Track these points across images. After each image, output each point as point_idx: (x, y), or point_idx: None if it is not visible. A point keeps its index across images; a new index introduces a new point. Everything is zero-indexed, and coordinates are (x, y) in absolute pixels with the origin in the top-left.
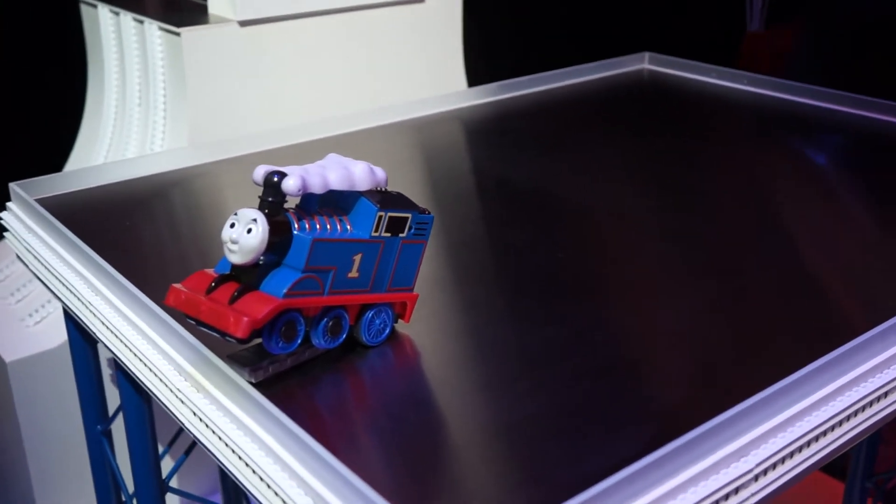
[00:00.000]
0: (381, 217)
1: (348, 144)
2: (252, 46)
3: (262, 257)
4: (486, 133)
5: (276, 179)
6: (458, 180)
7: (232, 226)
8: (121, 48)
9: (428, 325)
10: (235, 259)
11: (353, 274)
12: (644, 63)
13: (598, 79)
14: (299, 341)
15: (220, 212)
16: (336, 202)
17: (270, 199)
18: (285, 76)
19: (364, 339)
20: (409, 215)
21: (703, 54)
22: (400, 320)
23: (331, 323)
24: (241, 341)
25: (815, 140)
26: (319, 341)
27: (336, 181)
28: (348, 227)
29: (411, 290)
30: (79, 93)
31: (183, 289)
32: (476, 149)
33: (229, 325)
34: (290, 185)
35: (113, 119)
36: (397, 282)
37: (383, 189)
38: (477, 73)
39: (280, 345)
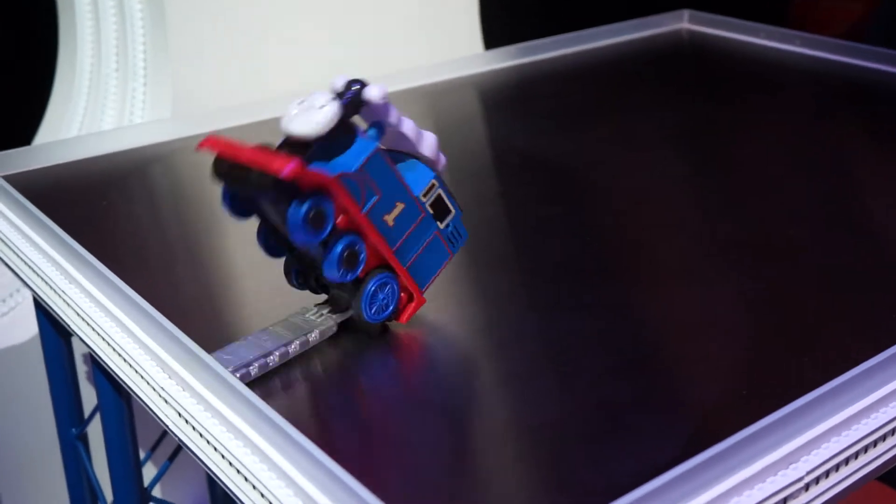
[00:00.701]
0: (433, 186)
1: None
2: (243, 3)
3: (324, 134)
4: (506, 102)
5: (357, 86)
6: (475, 154)
7: (300, 102)
8: (95, 5)
9: (445, 314)
10: (295, 127)
11: (389, 220)
12: (683, 22)
13: (630, 40)
14: (323, 236)
15: (207, 190)
16: (395, 160)
17: (346, 99)
18: (280, 39)
19: (364, 310)
20: (455, 211)
21: (747, 14)
22: (393, 319)
23: (347, 253)
24: (276, 186)
25: (882, 111)
26: (332, 269)
27: (409, 130)
28: (402, 181)
29: (422, 292)
30: (48, 56)
31: (221, 137)
32: (494, 119)
33: (274, 162)
34: (373, 93)
35: (87, 86)
36: (415, 269)
37: (439, 165)
38: (495, 35)
39: (306, 231)
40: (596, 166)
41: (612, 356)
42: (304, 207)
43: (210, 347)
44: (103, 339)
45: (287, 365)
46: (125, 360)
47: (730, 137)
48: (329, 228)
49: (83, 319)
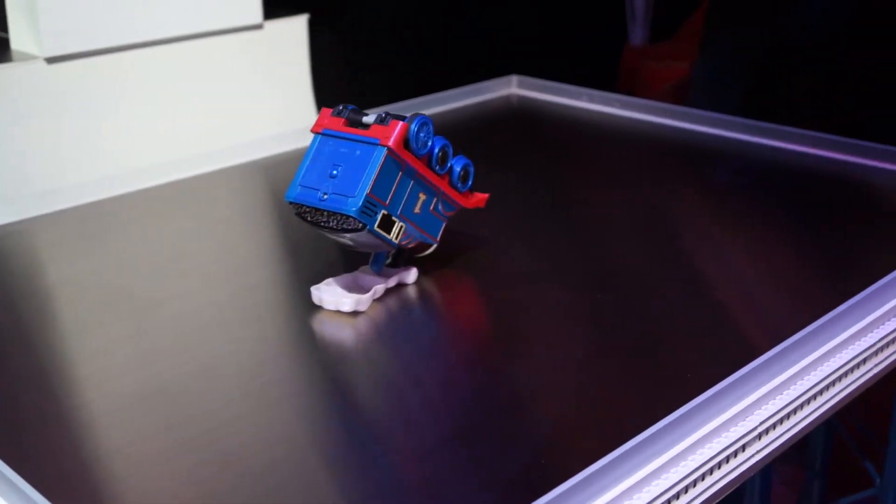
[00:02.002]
0: (445, 153)
1: (181, 192)
2: (64, 86)
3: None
4: None
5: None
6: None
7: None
8: None
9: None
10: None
11: (417, 210)
12: (512, 87)
13: (460, 107)
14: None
15: (40, 277)
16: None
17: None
18: (106, 117)
19: (456, 185)
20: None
21: (582, 71)
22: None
23: (440, 153)
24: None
25: (694, 169)
26: (456, 183)
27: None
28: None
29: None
30: None
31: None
32: None
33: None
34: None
35: None
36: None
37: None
38: (331, 104)
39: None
40: None
41: (438, 428)
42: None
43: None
44: None
45: None
46: None
47: (557, 197)
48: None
49: None
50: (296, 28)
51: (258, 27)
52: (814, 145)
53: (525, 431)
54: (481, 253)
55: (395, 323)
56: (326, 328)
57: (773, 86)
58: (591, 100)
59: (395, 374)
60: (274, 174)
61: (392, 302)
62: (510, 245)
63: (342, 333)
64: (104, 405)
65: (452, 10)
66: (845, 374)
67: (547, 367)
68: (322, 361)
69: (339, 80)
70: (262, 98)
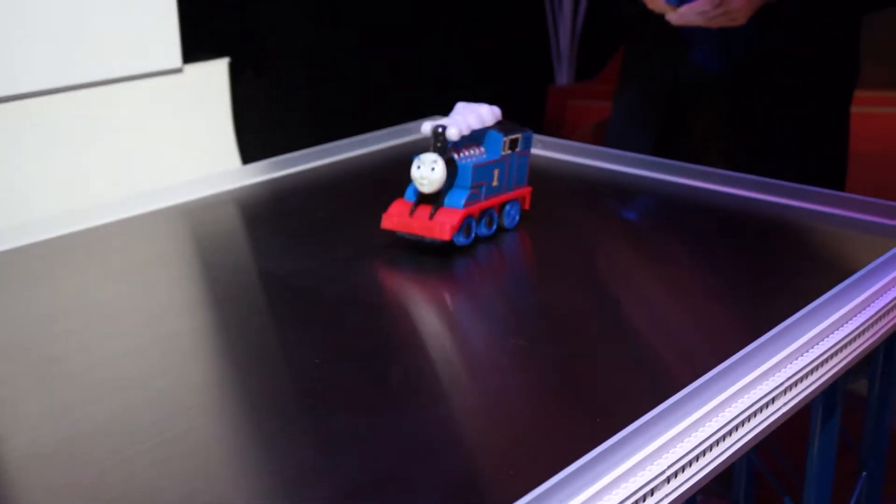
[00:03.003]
0: (505, 141)
1: (104, 236)
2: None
3: (443, 184)
4: (259, 218)
5: (440, 131)
6: (223, 274)
7: (418, 167)
8: None
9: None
10: (427, 189)
11: (495, 183)
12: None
13: (380, 150)
14: (473, 235)
15: None
16: (470, 136)
17: (439, 144)
18: (20, 166)
19: (506, 225)
20: (520, 135)
21: (508, 111)
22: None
23: (487, 219)
24: (444, 242)
25: (606, 208)
26: (483, 232)
27: (474, 123)
28: (484, 151)
29: (526, 185)
30: None
31: (393, 215)
32: (245, 236)
33: (436, 232)
34: (452, 134)
35: None
36: (519, 181)
37: (500, 120)
38: (261, 148)
39: (462, 239)
40: (339, 284)
41: (335, 482)
42: (460, 235)
43: None
44: None
45: None
46: None
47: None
48: (475, 228)
49: None
50: (217, 72)
51: (178, 71)
52: (725, 184)
53: (441, 471)
54: (407, 293)
55: (315, 365)
56: (247, 377)
57: (681, 126)
58: None
59: (314, 419)
60: (195, 218)
61: (316, 340)
62: (423, 288)
63: (261, 382)
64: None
65: (378, 50)
66: (760, 410)
67: (475, 405)
68: (240, 407)
69: (263, 123)
70: (184, 142)
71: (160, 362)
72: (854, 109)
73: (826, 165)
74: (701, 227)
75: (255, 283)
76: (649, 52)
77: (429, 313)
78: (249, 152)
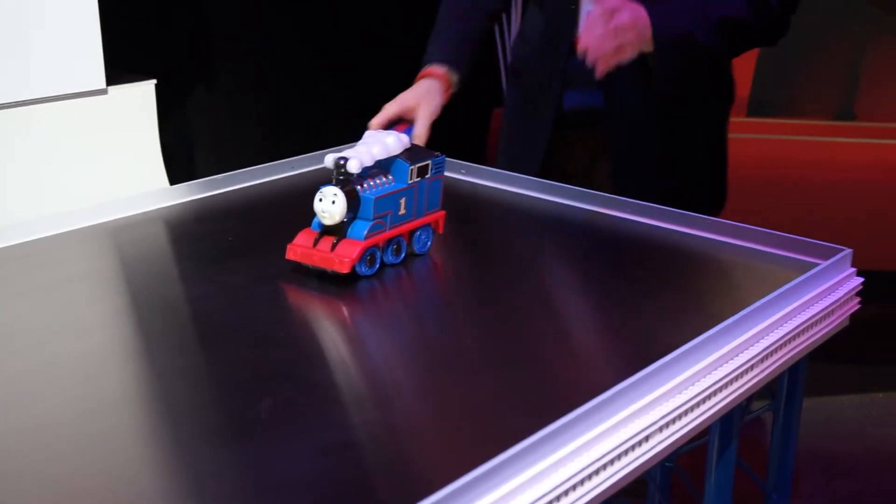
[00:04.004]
0: (412, 170)
1: (30, 254)
2: None
3: (345, 216)
4: (173, 241)
5: (342, 163)
6: (121, 299)
7: (320, 200)
8: None
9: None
10: (328, 222)
11: (402, 211)
12: None
13: (306, 173)
14: (378, 265)
15: None
16: (379, 164)
17: (341, 176)
18: None
19: (416, 250)
20: (429, 162)
21: (453, 136)
22: (436, 231)
23: (394, 246)
24: (345, 274)
25: (521, 228)
26: (390, 259)
27: (378, 153)
28: (392, 180)
29: (439, 209)
30: None
31: (296, 246)
32: (155, 260)
33: (335, 265)
34: (353, 166)
35: None
36: (430, 207)
37: (409, 148)
38: (182, 168)
39: (365, 269)
40: (222, 311)
41: None
42: (362, 265)
43: None
44: None
45: None
46: None
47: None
48: (379, 257)
49: None
50: (143, 93)
51: (102, 92)
52: (638, 213)
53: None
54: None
55: (247, 369)
56: (112, 407)
57: (565, 150)
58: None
59: (178, 450)
60: (120, 237)
61: (190, 369)
62: (315, 317)
63: (129, 410)
64: None
65: (312, 71)
66: (646, 439)
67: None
68: (101, 439)
69: (190, 144)
70: (108, 164)
71: (39, 387)
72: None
73: (705, 192)
74: (617, 256)
75: (151, 308)
76: (533, 82)
77: (314, 343)
78: (178, 174)
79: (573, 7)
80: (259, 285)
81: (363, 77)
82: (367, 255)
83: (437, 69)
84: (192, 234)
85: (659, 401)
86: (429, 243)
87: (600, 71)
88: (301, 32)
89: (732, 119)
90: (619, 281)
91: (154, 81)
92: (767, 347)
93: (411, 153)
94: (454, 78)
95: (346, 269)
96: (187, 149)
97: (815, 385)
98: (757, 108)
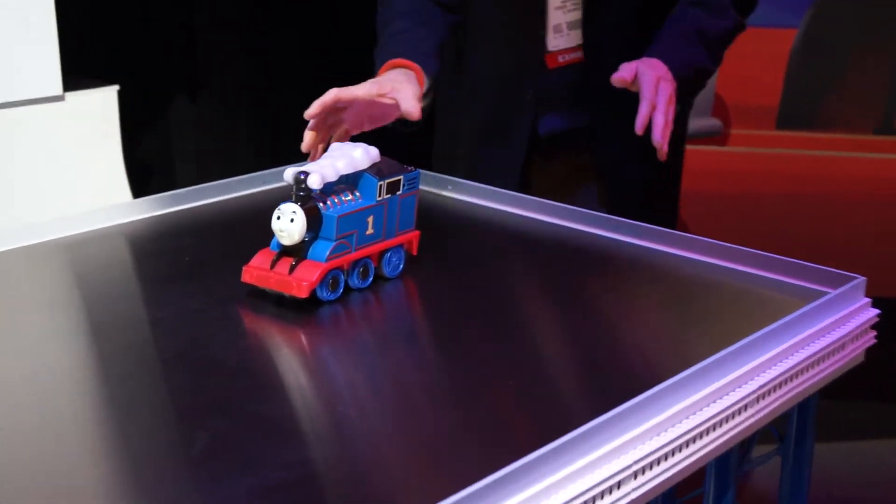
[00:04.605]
0: (381, 185)
1: None
2: None
3: (305, 236)
4: (130, 258)
5: (302, 178)
6: (66, 320)
7: (278, 218)
8: None
9: None
10: (286, 242)
11: (370, 231)
12: None
13: (275, 189)
14: (341, 289)
15: None
16: (346, 179)
17: (301, 192)
18: None
19: (386, 274)
20: (401, 177)
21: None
22: (409, 253)
23: (361, 269)
24: (303, 299)
25: (504, 249)
26: (356, 283)
27: (344, 168)
28: (359, 196)
29: (413, 229)
30: None
31: (252, 268)
32: (109, 278)
33: (293, 289)
34: (314, 181)
35: None
36: (402, 226)
37: (377, 161)
38: (146, 179)
39: (327, 294)
40: (170, 336)
41: None
42: (324, 290)
43: None
44: None
45: None
46: None
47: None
48: (343, 281)
49: None
50: (104, 99)
51: (59, 98)
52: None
53: None
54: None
55: (188, 399)
56: (43, 433)
57: (542, 171)
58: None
59: (164, 457)
60: (78, 253)
61: (125, 401)
62: (266, 345)
63: (56, 440)
64: None
65: (299, 74)
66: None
67: None
68: (27, 469)
69: (154, 153)
70: (66, 175)
71: (30, 397)
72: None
73: (666, 206)
74: (608, 280)
75: (97, 332)
76: (499, 105)
77: (265, 372)
78: (141, 186)
79: (541, 33)
80: (214, 309)
81: (352, 81)
82: (330, 279)
83: (411, 62)
84: (149, 252)
85: (635, 441)
86: (400, 266)
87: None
88: (285, 33)
89: (760, 132)
90: (610, 306)
91: (117, 87)
92: (767, 382)
93: (381, 168)
94: (427, 80)
95: (304, 294)
96: (157, 160)
97: (830, 428)
98: (787, 120)
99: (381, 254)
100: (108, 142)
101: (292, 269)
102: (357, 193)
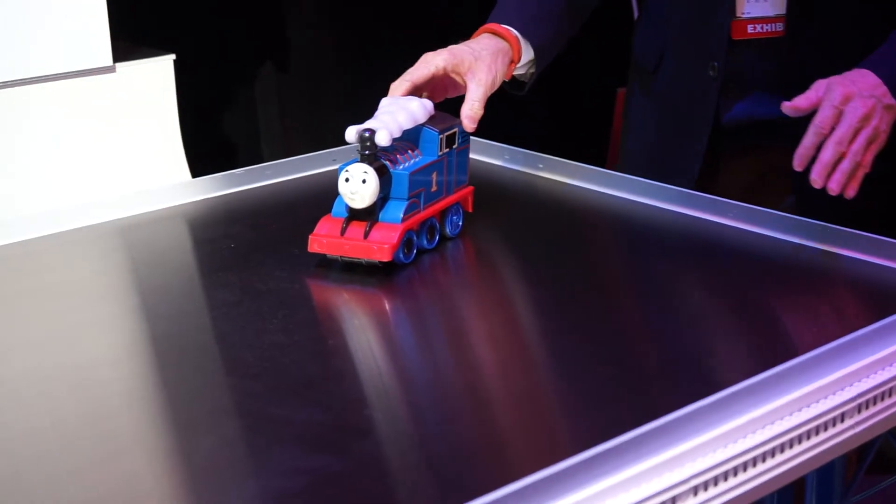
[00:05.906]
0: (441, 139)
1: (36, 253)
2: None
3: (376, 197)
4: (203, 239)
5: (367, 135)
6: (163, 300)
7: (346, 180)
8: None
9: None
10: (358, 205)
11: (434, 188)
12: None
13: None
14: (415, 251)
15: None
16: (403, 136)
17: (367, 151)
18: None
19: (448, 233)
20: (457, 129)
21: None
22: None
23: (428, 230)
24: (384, 263)
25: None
26: (424, 245)
27: (405, 122)
28: (419, 153)
29: (467, 184)
30: None
31: (320, 236)
32: (161, 264)
33: (374, 253)
34: (382, 138)
35: None
36: (458, 182)
37: (433, 115)
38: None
39: (404, 257)
40: (198, 332)
41: None
42: (400, 253)
43: None
44: None
45: None
46: None
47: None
48: (416, 243)
49: None
50: (160, 70)
51: (109, 70)
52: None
53: None
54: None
55: (203, 401)
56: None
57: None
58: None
59: (170, 463)
60: (132, 237)
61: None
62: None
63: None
64: None
65: (349, 48)
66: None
67: None
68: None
69: (213, 127)
70: (119, 151)
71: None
72: None
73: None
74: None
75: (136, 325)
76: (676, 89)
77: (287, 372)
78: (200, 163)
79: None
80: (249, 302)
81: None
82: (405, 241)
83: (507, 30)
84: (197, 237)
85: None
86: (460, 224)
87: (851, 189)
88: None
89: None
90: (710, 295)
91: (173, 57)
92: (863, 393)
93: (436, 121)
94: (526, 52)
95: (387, 258)
96: (210, 136)
97: None
98: None
99: (444, 212)
100: (164, 117)
101: (367, 233)
102: (417, 150)
